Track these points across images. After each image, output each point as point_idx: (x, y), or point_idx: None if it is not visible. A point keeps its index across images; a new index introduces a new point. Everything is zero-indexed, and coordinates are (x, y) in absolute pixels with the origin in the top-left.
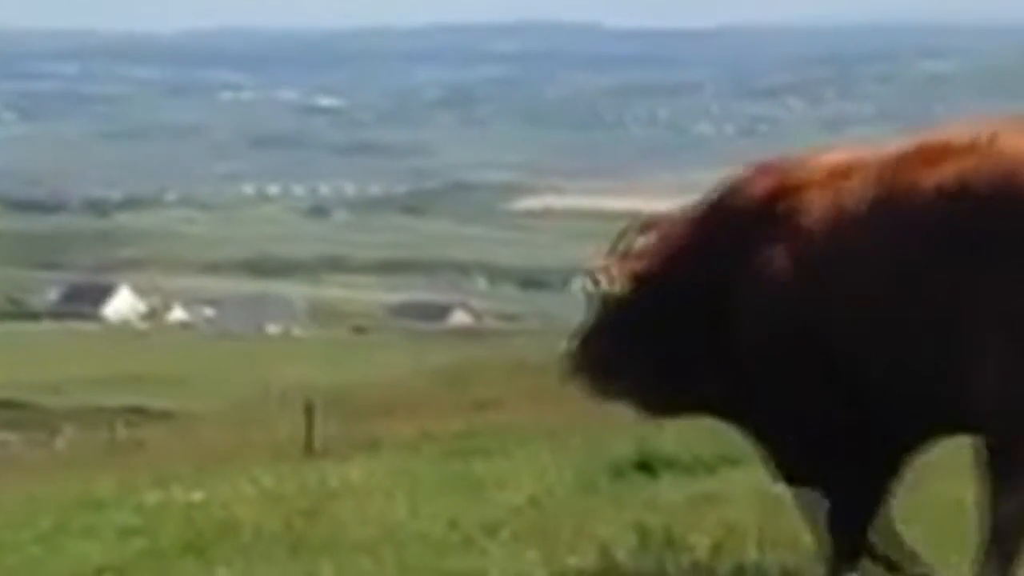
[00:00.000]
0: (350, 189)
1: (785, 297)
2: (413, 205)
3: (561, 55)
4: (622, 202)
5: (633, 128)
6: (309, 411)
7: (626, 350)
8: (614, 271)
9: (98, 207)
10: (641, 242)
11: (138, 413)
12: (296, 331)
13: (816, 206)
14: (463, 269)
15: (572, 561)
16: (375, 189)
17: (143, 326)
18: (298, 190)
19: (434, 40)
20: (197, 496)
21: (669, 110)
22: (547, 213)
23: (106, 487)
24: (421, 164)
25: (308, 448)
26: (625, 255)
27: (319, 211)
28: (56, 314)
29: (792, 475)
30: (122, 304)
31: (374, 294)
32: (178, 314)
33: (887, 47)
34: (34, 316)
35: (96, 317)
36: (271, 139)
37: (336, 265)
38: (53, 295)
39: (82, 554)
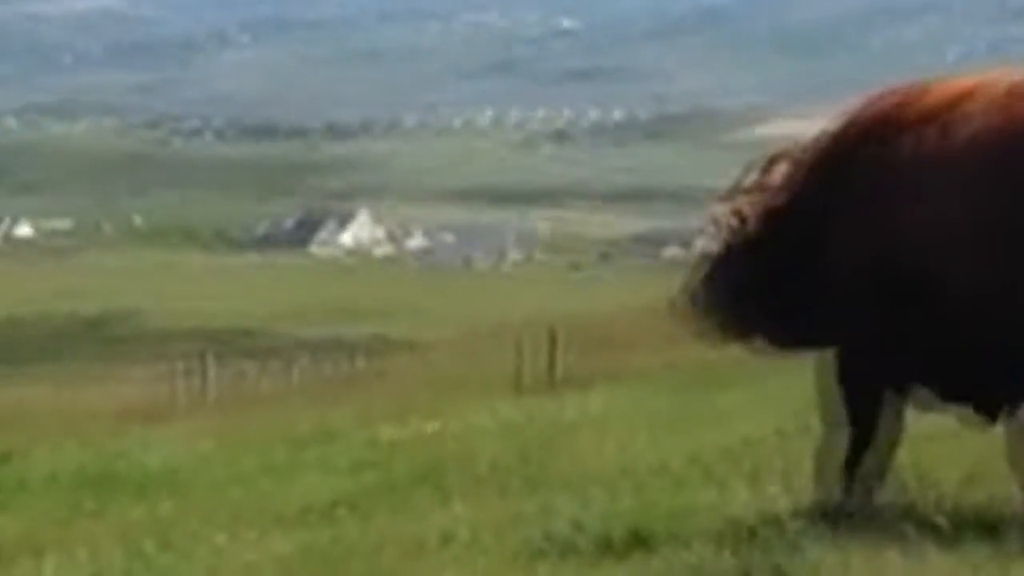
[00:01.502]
0: (591, 114)
1: (889, 231)
2: (655, 131)
3: None
4: None
5: (878, 52)
6: (552, 341)
7: (759, 288)
8: (742, 207)
9: (337, 133)
10: (773, 176)
11: (379, 342)
12: (538, 258)
13: (931, 133)
14: (707, 196)
15: (814, 496)
16: (617, 114)
17: (382, 253)
18: (539, 115)
19: None
20: (433, 427)
21: (915, 32)
22: (789, 139)
23: (341, 419)
24: (663, 89)
25: (549, 378)
26: (752, 190)
27: (561, 136)
28: (294, 242)
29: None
30: (361, 231)
31: (617, 222)
32: (418, 241)
33: None
34: (272, 245)
35: (334, 244)
36: (511, 63)
37: (578, 192)
38: (290, 223)
39: (314, 487)
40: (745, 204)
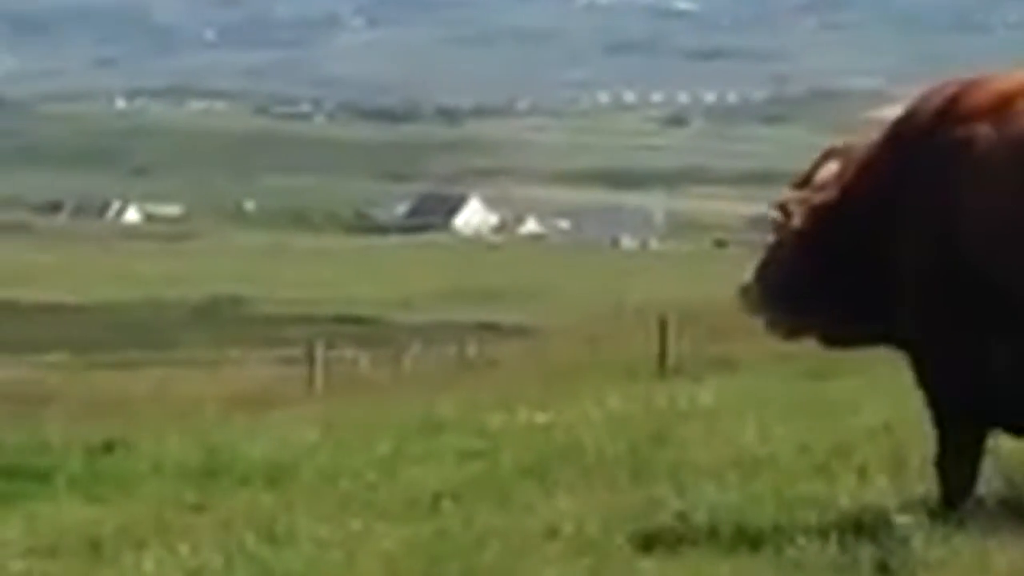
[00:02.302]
0: (708, 97)
1: (949, 226)
2: (773, 113)
3: None
4: None
5: (1002, 32)
6: (663, 328)
7: (808, 283)
8: (794, 204)
9: (449, 116)
10: (822, 173)
11: (489, 329)
12: (653, 244)
13: (984, 131)
14: None
15: (922, 490)
16: (733, 97)
17: (495, 238)
18: (655, 98)
19: None
20: (541, 418)
21: None
22: None
23: (448, 409)
24: (781, 70)
25: (661, 367)
26: (806, 186)
27: (677, 120)
28: (405, 227)
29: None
30: (473, 216)
31: (734, 206)
32: (531, 226)
33: None
34: (383, 229)
35: (446, 229)
36: (627, 45)
37: (695, 176)
38: (402, 207)
39: (419, 479)
40: (792, 200)
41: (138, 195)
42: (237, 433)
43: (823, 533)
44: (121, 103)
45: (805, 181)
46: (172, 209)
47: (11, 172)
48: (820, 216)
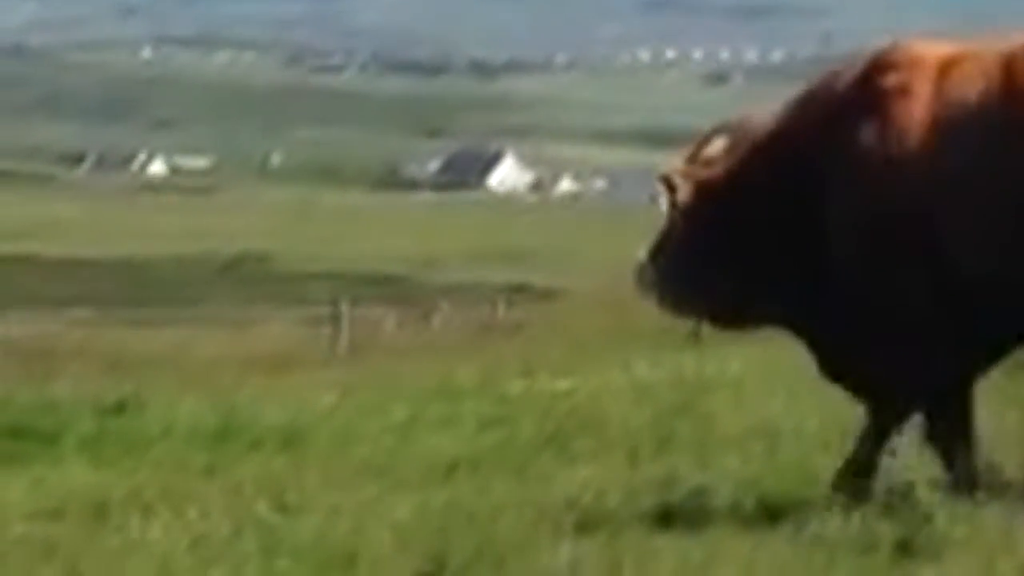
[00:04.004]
0: (750, 55)
1: (884, 186)
2: (817, 73)
3: None
4: None
5: None
6: None
7: (696, 261)
8: (680, 179)
9: (483, 71)
10: (711, 148)
11: (520, 291)
12: None
13: (923, 95)
14: None
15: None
16: (776, 55)
17: (529, 198)
18: (696, 55)
19: None
20: (563, 386)
21: None
22: None
23: (468, 375)
24: (826, 28)
25: (690, 334)
26: (694, 162)
27: (718, 78)
28: (437, 184)
29: (868, 387)
30: (507, 174)
31: None
32: (567, 185)
33: None
34: (413, 185)
35: (479, 187)
36: (668, 1)
37: None
38: (434, 164)
39: (436, 446)
40: (676, 174)
41: (163, 147)
42: (253, 395)
43: (846, 509)
44: (147, 53)
45: (693, 156)
46: (199, 162)
47: (33, 123)
48: (706, 193)
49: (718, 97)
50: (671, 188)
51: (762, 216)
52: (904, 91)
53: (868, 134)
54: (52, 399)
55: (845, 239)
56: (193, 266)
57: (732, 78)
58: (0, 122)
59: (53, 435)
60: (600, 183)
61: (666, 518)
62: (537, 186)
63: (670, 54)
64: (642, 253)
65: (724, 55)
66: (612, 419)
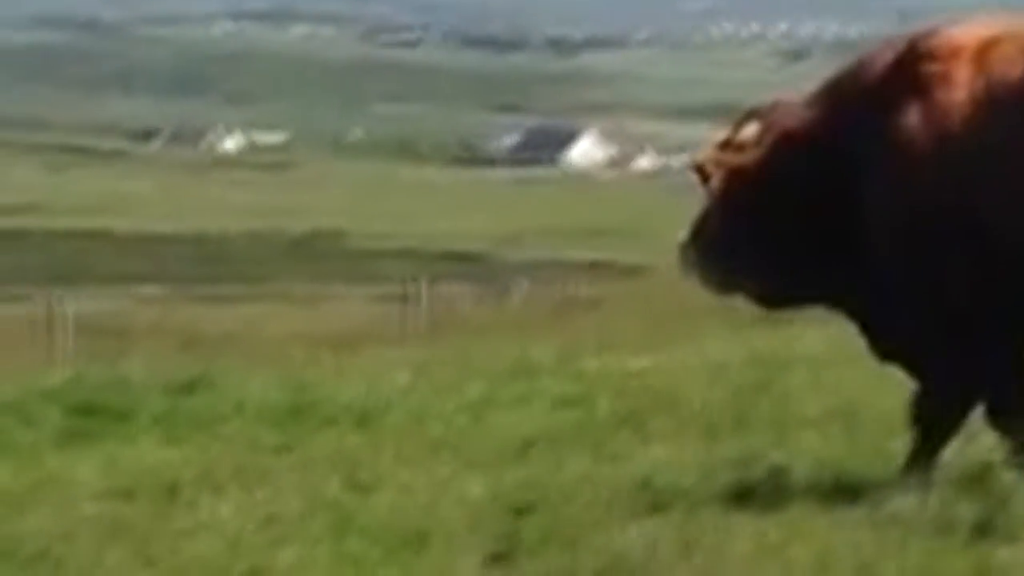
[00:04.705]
0: (831, 30)
1: (927, 173)
2: None
3: None
4: None
5: None
6: None
7: (735, 244)
8: (713, 163)
9: (560, 46)
10: (744, 133)
11: (598, 268)
12: None
13: (961, 77)
14: None
15: None
16: (855, 30)
17: (608, 174)
18: (778, 30)
19: None
20: (640, 364)
21: None
22: None
23: (545, 353)
24: (908, 4)
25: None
26: (727, 146)
27: (798, 54)
28: (514, 161)
29: (908, 364)
30: (585, 151)
31: None
32: (645, 162)
33: None
34: (490, 162)
35: (557, 164)
36: None
37: None
38: (510, 140)
39: (511, 425)
40: (708, 161)
41: (237, 123)
42: (326, 373)
43: (924, 489)
44: (221, 27)
45: (727, 143)
46: (274, 138)
47: (106, 98)
48: (740, 178)
49: (796, 72)
50: (704, 175)
51: (798, 201)
52: (943, 77)
53: (908, 121)
54: (124, 377)
55: (884, 226)
56: (266, 243)
57: (812, 54)
58: (73, 97)
59: (125, 413)
60: (679, 159)
61: (742, 497)
62: (615, 162)
63: (752, 28)
64: (683, 234)
65: (806, 30)
66: (689, 398)
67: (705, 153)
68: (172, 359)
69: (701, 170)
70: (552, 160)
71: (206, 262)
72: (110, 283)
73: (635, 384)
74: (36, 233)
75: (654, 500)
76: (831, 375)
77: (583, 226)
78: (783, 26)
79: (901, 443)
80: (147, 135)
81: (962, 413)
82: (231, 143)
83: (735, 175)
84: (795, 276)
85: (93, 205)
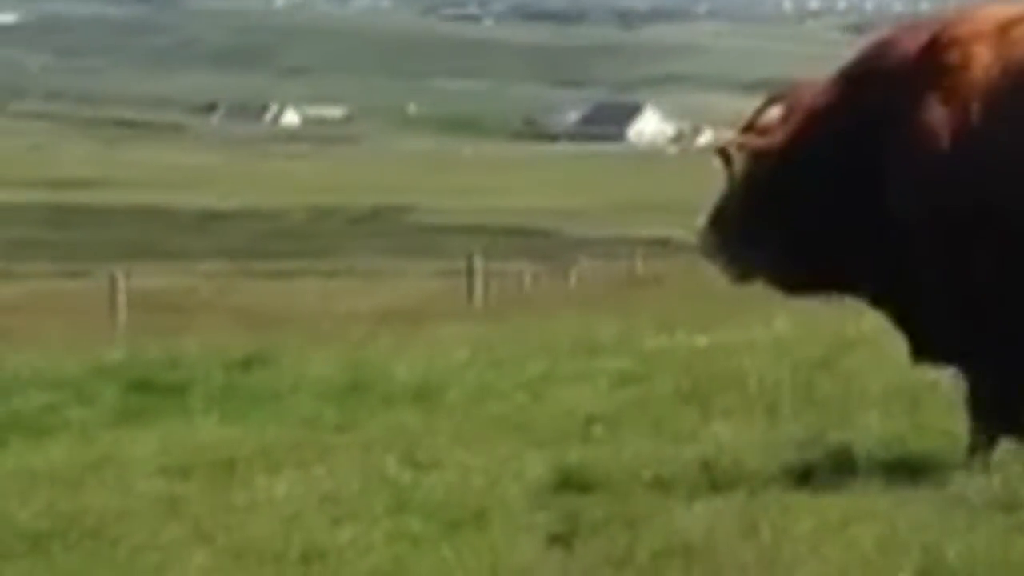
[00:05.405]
0: (897, 5)
1: (949, 162)
2: None
3: None
4: None
5: None
6: None
7: (756, 228)
8: (736, 146)
9: (623, 19)
10: (768, 115)
11: (661, 244)
12: None
13: (985, 61)
14: None
15: None
16: (925, 4)
17: (671, 149)
18: (842, 4)
19: None
20: (702, 341)
21: None
22: None
23: (606, 330)
24: None
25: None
26: (750, 129)
27: (861, 28)
28: (576, 136)
29: (937, 353)
30: (648, 126)
31: None
32: (709, 137)
33: None
34: (552, 137)
35: (620, 139)
36: None
37: None
38: (573, 115)
39: (571, 402)
40: (732, 144)
41: (297, 97)
42: (386, 349)
43: (987, 469)
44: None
45: (749, 126)
46: (334, 112)
47: (164, 71)
48: (762, 161)
49: (858, 47)
50: (727, 159)
51: (820, 185)
52: (965, 64)
53: (930, 105)
54: (181, 353)
55: (909, 213)
56: (327, 218)
57: (877, 28)
58: (130, 70)
59: (182, 390)
60: None
61: (806, 477)
62: (679, 138)
63: (816, 2)
64: (702, 219)
65: (869, 5)
66: (751, 376)
67: (726, 137)
68: (232, 335)
69: (724, 153)
70: (615, 135)
71: (266, 237)
72: (171, 259)
73: (697, 362)
74: (96, 209)
75: (716, 480)
76: (894, 353)
77: (645, 202)
78: (846, 1)
79: (964, 423)
80: (207, 109)
81: (1013, 400)
82: (290, 117)
83: (758, 158)
84: (816, 261)
85: (153, 180)
